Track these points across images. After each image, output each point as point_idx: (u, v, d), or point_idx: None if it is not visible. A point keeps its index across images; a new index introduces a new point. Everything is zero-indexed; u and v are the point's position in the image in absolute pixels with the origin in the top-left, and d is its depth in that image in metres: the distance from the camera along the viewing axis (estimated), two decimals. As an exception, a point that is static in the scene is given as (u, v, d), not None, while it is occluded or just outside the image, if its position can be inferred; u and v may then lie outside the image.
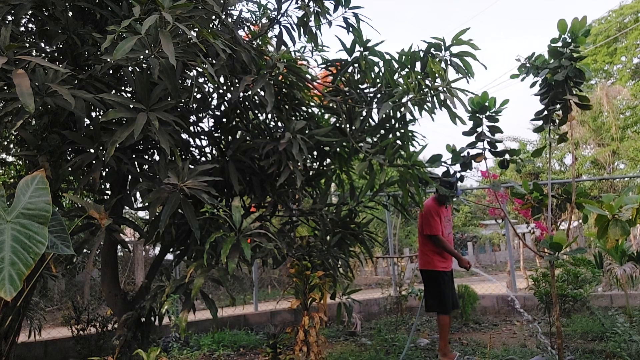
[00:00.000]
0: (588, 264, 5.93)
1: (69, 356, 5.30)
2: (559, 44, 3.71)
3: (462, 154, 4.15)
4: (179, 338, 5.56)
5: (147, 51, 2.34)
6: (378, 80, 3.83)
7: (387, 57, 3.68)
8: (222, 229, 2.81)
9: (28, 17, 3.20)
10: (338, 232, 4.00)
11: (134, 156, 3.07)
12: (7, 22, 2.64)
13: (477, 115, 4.02)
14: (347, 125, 3.74)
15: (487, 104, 3.96)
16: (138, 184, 2.81)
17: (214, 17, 3.15)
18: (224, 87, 3.58)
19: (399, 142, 3.85)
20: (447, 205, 4.80)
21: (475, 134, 4.08)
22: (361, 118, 3.75)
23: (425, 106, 3.56)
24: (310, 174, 4.10)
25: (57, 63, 2.96)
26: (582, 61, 3.67)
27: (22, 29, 3.15)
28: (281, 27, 3.75)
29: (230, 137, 3.72)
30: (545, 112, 3.87)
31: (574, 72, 3.61)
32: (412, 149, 3.89)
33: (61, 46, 3.04)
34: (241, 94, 3.48)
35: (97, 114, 3.07)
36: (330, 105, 3.88)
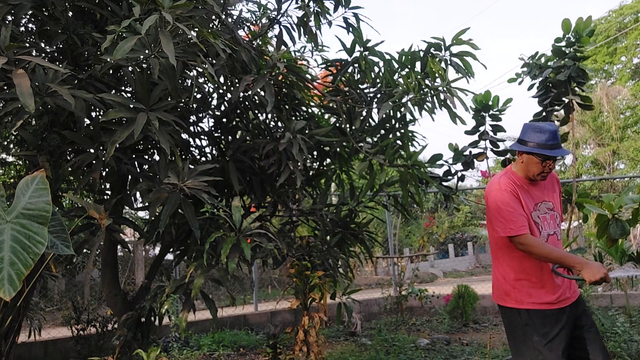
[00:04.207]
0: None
1: (69, 356, 5.30)
2: (563, 43, 3.71)
3: (464, 153, 4.15)
4: (179, 338, 5.55)
5: (147, 51, 2.34)
6: (378, 80, 3.83)
7: (387, 57, 3.68)
8: (222, 229, 2.81)
9: (28, 17, 3.20)
10: (338, 232, 4.00)
11: (134, 156, 3.07)
12: (7, 22, 2.64)
13: (480, 113, 4.01)
14: (347, 125, 3.74)
15: (490, 102, 3.96)
16: (138, 184, 2.82)
17: (214, 17, 3.15)
18: (224, 87, 3.58)
19: (399, 142, 3.85)
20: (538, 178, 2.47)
21: (478, 133, 4.08)
22: (361, 118, 3.76)
23: (425, 106, 3.57)
24: (310, 174, 4.10)
25: (57, 63, 2.96)
26: (583, 61, 3.68)
27: (22, 29, 3.15)
28: (281, 27, 3.75)
29: (230, 137, 3.72)
30: (544, 114, 3.87)
31: (577, 72, 3.61)
32: (412, 149, 3.89)
33: (61, 46, 3.05)
34: (241, 94, 3.48)
35: (97, 114, 3.07)
36: (330, 105, 3.88)
